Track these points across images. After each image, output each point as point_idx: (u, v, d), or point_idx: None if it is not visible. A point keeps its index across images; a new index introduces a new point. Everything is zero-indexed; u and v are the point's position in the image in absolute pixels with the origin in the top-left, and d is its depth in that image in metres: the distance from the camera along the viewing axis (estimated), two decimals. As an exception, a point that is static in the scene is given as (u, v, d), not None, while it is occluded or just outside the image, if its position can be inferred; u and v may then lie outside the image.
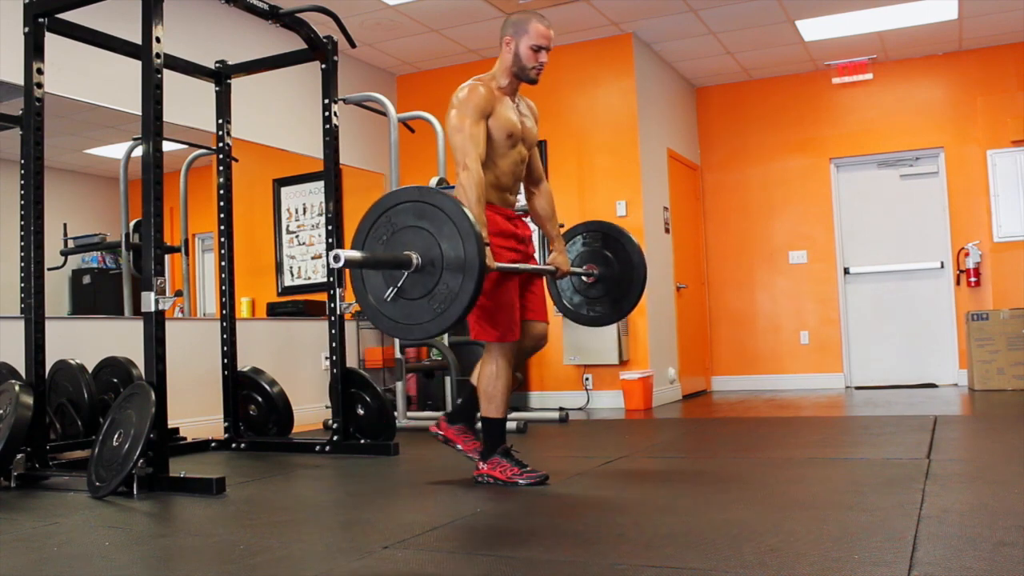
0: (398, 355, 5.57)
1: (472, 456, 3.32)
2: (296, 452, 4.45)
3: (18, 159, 3.92)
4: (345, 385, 4.38)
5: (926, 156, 7.50)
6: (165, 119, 3.51)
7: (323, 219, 5.34)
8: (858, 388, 7.49)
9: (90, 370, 4.31)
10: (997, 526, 2.27)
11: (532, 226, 3.80)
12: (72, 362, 4.23)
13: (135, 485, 3.19)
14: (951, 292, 7.34)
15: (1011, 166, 7.00)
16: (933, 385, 7.36)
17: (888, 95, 7.54)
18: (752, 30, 6.73)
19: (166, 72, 3.56)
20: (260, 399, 4.70)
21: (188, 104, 5.08)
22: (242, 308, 6.21)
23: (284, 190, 6.74)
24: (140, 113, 3.49)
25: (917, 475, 3.08)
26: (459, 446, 3.37)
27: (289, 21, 4.23)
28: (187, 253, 5.77)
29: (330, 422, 4.52)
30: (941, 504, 2.59)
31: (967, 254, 7.21)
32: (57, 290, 5.22)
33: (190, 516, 2.94)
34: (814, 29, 6.74)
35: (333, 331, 4.40)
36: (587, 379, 6.67)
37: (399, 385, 5.55)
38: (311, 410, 5.84)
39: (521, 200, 3.52)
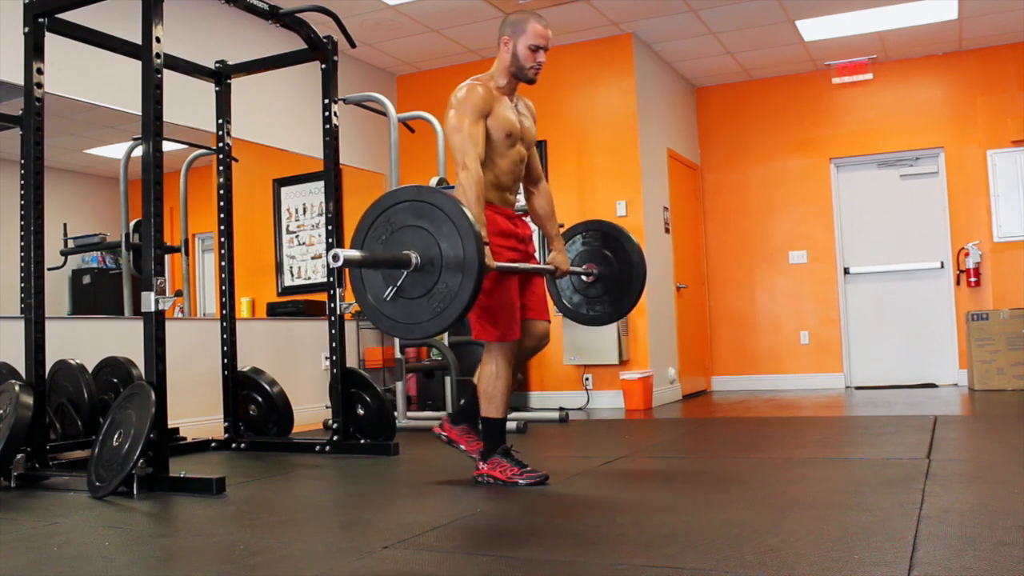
0: (398, 355, 5.57)
1: (475, 457, 3.32)
2: (296, 452, 4.45)
3: (18, 159, 3.92)
4: (345, 385, 4.38)
5: (926, 156, 7.49)
6: (165, 119, 3.51)
7: (323, 219, 5.34)
8: (858, 388, 7.49)
9: (90, 370, 4.31)
10: (997, 526, 2.27)
11: (532, 226, 3.80)
12: (72, 362, 4.23)
13: (135, 485, 3.19)
14: (951, 292, 7.34)
15: (1011, 166, 7.00)
16: (933, 385, 7.36)
17: (888, 95, 7.54)
18: (752, 30, 6.72)
19: (166, 72, 3.57)
20: (260, 399, 4.70)
21: (188, 104, 5.08)
22: (242, 308, 6.21)
23: (284, 190, 6.74)
24: (140, 113, 3.50)
25: (917, 475, 3.08)
26: (462, 447, 3.37)
27: (289, 21, 4.23)
28: (187, 253, 5.77)
29: (330, 422, 4.52)
30: (941, 504, 2.59)
31: (967, 254, 7.21)
32: (57, 290, 5.22)
33: (190, 516, 2.94)
34: (814, 29, 6.74)
35: (333, 331, 4.41)
36: (587, 379, 6.67)
37: (399, 385, 5.55)
38: (311, 410, 5.84)
39: (521, 200, 3.53)
